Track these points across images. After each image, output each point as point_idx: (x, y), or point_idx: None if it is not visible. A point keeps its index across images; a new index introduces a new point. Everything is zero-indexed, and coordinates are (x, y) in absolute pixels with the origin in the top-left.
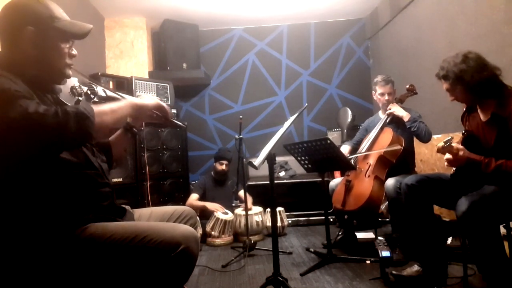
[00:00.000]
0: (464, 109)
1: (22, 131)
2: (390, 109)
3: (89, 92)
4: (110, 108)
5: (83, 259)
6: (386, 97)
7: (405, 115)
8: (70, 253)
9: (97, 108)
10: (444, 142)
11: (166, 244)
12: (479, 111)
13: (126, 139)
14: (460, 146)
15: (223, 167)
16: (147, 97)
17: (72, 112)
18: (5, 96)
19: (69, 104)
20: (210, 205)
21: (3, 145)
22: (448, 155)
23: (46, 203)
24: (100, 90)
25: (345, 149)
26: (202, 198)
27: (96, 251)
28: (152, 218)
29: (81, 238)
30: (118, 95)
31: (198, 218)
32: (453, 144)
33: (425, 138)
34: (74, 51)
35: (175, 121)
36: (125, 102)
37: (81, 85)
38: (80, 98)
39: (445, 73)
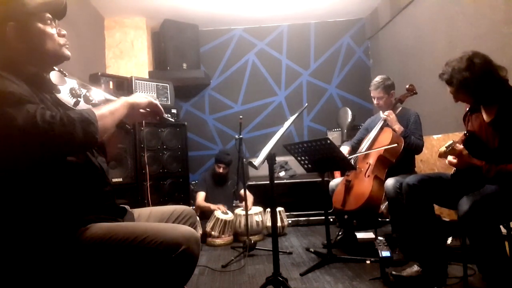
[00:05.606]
0: (467, 109)
1: (31, 139)
2: (387, 116)
3: (88, 94)
4: (109, 110)
5: (84, 260)
6: (376, 101)
7: (397, 129)
8: (71, 254)
9: (97, 112)
10: (445, 147)
11: (167, 244)
12: (482, 111)
13: (120, 137)
14: (461, 147)
15: (221, 170)
16: (139, 95)
17: (78, 118)
18: (12, 100)
19: (68, 104)
20: (213, 206)
21: (8, 150)
22: (450, 158)
23: (47, 204)
24: (99, 93)
25: (344, 149)
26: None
27: (97, 251)
28: (151, 218)
29: (82, 239)
30: (116, 98)
31: (198, 218)
32: (458, 147)
33: (415, 152)
34: (63, 31)
35: (167, 117)
36: (120, 102)
37: (80, 87)
38: (79, 99)
39: (449, 78)
